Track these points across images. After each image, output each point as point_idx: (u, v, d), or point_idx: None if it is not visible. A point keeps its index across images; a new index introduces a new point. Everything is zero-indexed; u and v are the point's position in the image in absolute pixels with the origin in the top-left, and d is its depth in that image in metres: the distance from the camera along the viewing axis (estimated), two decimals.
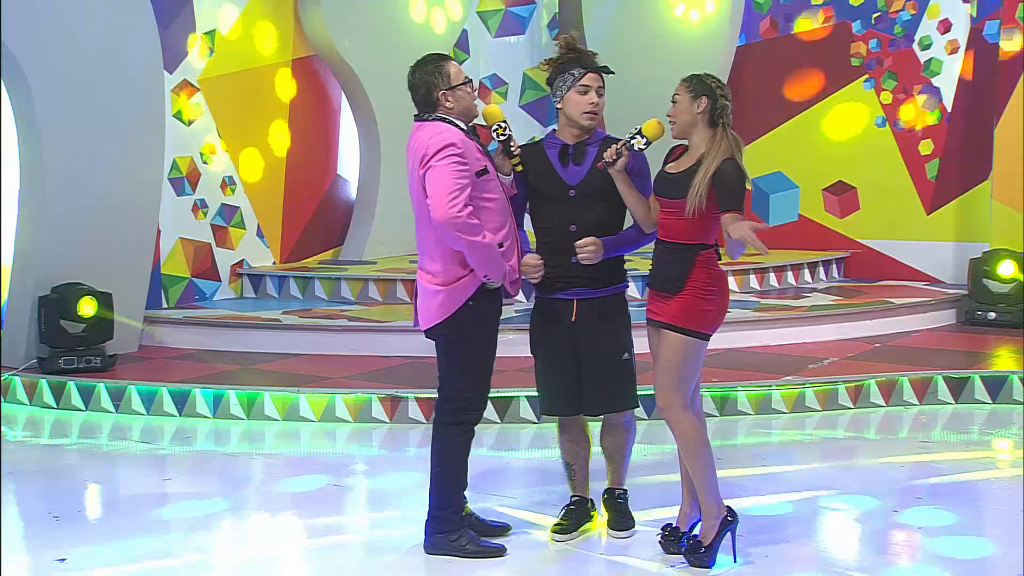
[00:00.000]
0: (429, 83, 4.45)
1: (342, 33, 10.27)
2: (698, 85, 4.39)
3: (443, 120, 4.45)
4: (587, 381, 4.66)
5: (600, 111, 4.58)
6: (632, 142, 4.48)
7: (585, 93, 4.55)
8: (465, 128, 4.47)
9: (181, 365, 7.97)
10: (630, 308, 4.78)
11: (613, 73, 4.63)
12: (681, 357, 4.39)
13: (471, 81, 4.55)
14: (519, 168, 4.58)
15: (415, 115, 4.55)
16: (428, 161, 4.34)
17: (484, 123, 4.64)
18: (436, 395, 4.68)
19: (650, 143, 4.50)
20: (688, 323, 4.37)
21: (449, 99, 4.45)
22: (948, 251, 10.24)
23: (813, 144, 10.81)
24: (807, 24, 10.82)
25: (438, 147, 4.33)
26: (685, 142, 4.49)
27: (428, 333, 4.58)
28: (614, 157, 4.46)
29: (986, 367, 7.57)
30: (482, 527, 4.79)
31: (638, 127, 4.50)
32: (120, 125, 8.18)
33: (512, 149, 4.55)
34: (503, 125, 4.52)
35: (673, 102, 4.44)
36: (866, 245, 10.65)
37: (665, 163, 4.55)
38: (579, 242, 4.51)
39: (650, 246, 4.64)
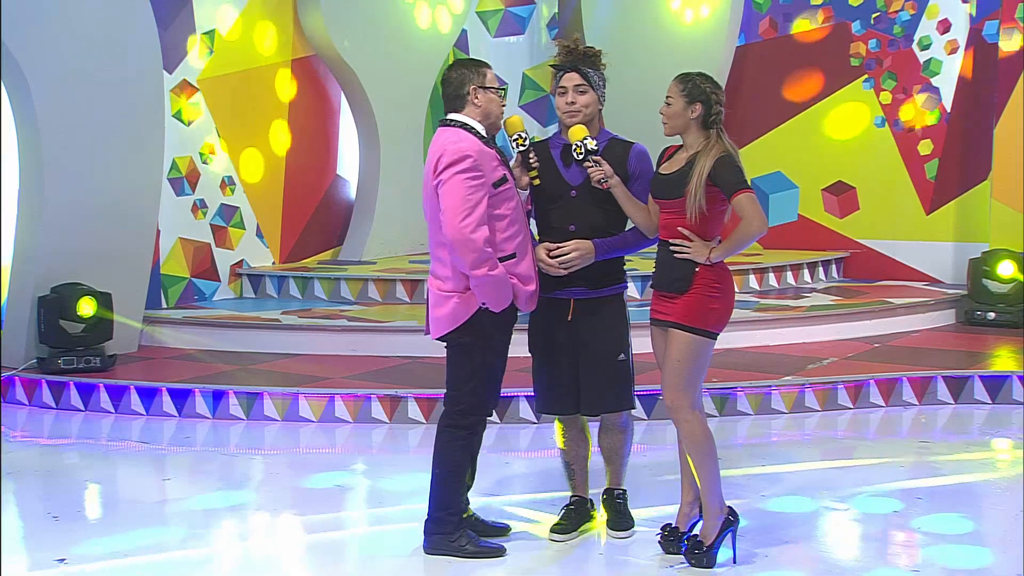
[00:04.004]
0: (464, 76, 4.51)
1: (342, 33, 10.27)
2: (693, 90, 4.38)
3: (464, 126, 4.46)
4: (584, 381, 4.67)
5: (584, 108, 4.56)
6: (587, 155, 4.45)
7: (563, 94, 4.58)
8: (485, 136, 4.47)
9: (181, 365, 7.97)
10: (629, 308, 4.78)
11: (595, 69, 4.58)
12: (689, 356, 4.39)
13: (504, 91, 4.58)
14: (536, 182, 4.58)
15: (440, 118, 4.60)
16: (440, 173, 4.36)
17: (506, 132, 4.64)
18: (437, 395, 4.69)
19: (588, 140, 4.45)
20: (696, 322, 4.37)
21: (479, 96, 4.49)
22: (948, 251, 10.24)
23: (813, 144, 10.82)
24: (806, 24, 10.83)
25: (451, 159, 4.34)
26: (678, 141, 4.50)
27: (439, 338, 4.60)
28: (602, 176, 4.46)
29: (986, 367, 7.57)
30: (483, 527, 4.80)
31: (575, 144, 4.47)
32: (120, 125, 8.18)
33: (531, 161, 4.56)
34: (523, 136, 4.54)
35: (667, 103, 4.43)
36: (866, 245, 10.66)
37: (659, 164, 4.55)
38: (559, 252, 4.51)
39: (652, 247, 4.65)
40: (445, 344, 4.59)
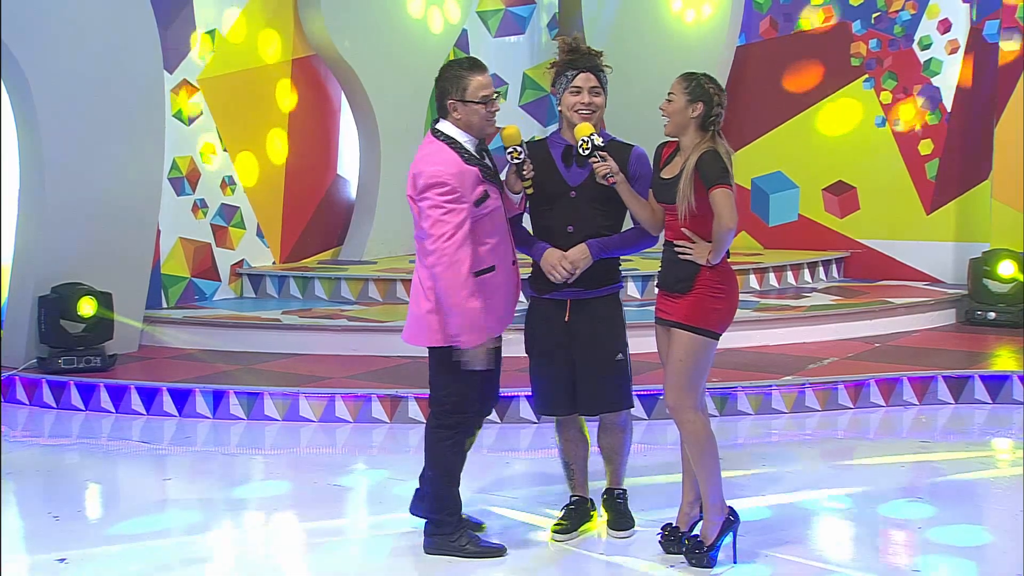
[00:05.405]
0: (444, 88, 4.46)
1: (342, 33, 10.27)
2: (696, 89, 4.37)
3: (448, 140, 4.42)
4: (581, 381, 4.66)
5: (597, 109, 4.57)
6: (593, 150, 4.44)
7: (577, 94, 4.56)
8: (469, 149, 4.43)
9: (181, 365, 7.97)
10: (627, 308, 4.78)
11: (604, 71, 4.60)
12: (691, 356, 4.39)
13: (491, 100, 4.45)
14: (529, 191, 4.57)
15: (432, 120, 4.58)
16: (419, 194, 4.33)
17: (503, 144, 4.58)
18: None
19: (595, 137, 4.45)
20: (698, 322, 4.37)
21: (458, 110, 4.43)
22: (948, 251, 10.24)
23: (813, 144, 10.82)
24: (807, 24, 10.83)
25: (428, 182, 4.30)
26: (676, 140, 4.50)
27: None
28: (607, 171, 4.44)
29: (986, 367, 7.57)
30: (469, 525, 4.79)
31: (581, 140, 4.46)
32: (120, 125, 8.18)
33: (524, 173, 4.52)
34: (518, 149, 4.49)
35: (668, 99, 4.43)
36: (866, 245, 10.66)
37: (657, 165, 4.56)
38: (565, 260, 4.52)
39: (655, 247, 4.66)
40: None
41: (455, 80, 4.43)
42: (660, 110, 4.46)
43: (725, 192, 4.28)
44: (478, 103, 4.42)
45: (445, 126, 4.46)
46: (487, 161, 4.50)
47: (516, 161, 4.50)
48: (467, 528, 4.68)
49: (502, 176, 4.61)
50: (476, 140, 4.48)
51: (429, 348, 4.57)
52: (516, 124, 4.65)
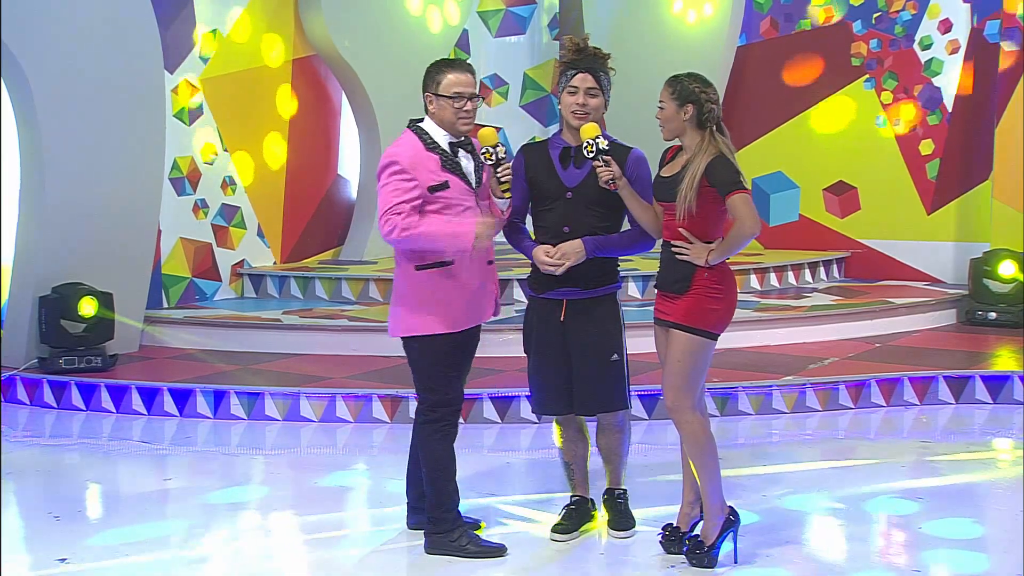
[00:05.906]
0: (424, 83, 4.55)
1: (342, 33, 10.27)
2: (683, 92, 4.36)
3: (417, 130, 4.51)
4: (577, 381, 4.67)
5: (592, 111, 4.56)
6: (598, 153, 4.44)
7: (573, 94, 4.56)
8: (440, 143, 4.48)
9: (181, 365, 7.97)
10: (625, 308, 4.78)
11: (606, 73, 4.59)
12: (689, 356, 4.39)
13: (465, 98, 4.46)
14: (507, 195, 4.55)
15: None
16: (378, 176, 4.46)
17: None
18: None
19: (600, 140, 4.45)
20: (696, 322, 4.37)
21: (432, 103, 4.51)
22: (948, 251, 10.24)
23: (813, 144, 10.82)
24: (807, 24, 10.83)
25: (381, 166, 4.44)
26: (677, 142, 4.50)
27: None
28: (610, 177, 4.44)
29: (986, 367, 7.57)
30: (467, 524, 4.79)
31: (586, 142, 4.45)
32: (120, 125, 8.18)
33: (499, 176, 4.51)
34: (491, 151, 4.49)
35: (660, 107, 4.43)
36: (866, 245, 10.66)
37: (660, 166, 4.56)
38: (555, 253, 4.53)
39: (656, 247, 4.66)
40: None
41: (433, 75, 4.52)
42: (656, 118, 4.46)
43: (744, 198, 4.28)
44: (448, 98, 4.46)
45: (424, 120, 4.56)
46: (459, 158, 4.52)
47: (489, 162, 4.51)
48: (467, 527, 4.68)
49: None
50: (453, 137, 4.52)
51: (404, 342, 4.62)
52: (500, 126, 4.67)
